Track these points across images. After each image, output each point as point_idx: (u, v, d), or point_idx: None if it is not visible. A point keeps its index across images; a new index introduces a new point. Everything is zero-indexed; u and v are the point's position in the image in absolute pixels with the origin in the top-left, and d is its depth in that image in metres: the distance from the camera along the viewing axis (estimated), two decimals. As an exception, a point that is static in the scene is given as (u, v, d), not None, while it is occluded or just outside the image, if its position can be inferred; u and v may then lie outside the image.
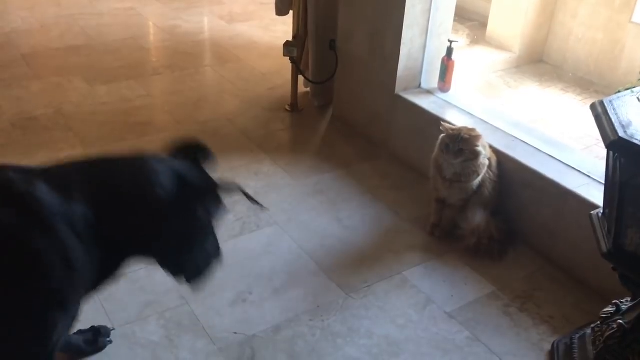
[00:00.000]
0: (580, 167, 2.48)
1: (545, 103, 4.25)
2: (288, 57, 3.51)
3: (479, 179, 2.45)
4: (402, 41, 2.96)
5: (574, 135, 3.83)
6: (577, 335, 2.02)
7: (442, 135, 2.43)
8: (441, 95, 3.07)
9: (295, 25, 3.57)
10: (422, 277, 2.38)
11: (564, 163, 2.52)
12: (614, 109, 1.68)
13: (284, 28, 4.41)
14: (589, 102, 4.41)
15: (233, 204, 2.70)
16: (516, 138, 2.69)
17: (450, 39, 3.03)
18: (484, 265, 2.46)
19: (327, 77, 3.49)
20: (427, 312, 2.22)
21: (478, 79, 4.47)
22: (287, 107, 3.66)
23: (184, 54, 4.39)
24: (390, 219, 2.72)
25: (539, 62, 4.85)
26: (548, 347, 2.08)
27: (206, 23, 5.11)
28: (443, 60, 3.06)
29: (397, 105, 3.11)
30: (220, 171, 2.99)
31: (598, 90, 4.41)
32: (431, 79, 3.15)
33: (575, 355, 1.98)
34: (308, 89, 3.78)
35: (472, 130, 2.43)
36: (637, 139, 1.55)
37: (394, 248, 2.54)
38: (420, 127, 3.00)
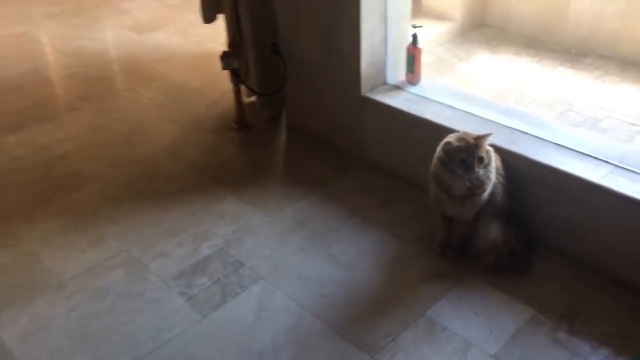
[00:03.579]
0: (595, 153, 2.19)
1: (505, 71, 3.97)
2: (222, 66, 3.04)
3: (491, 185, 2.11)
4: (362, 34, 2.56)
5: (544, 101, 3.58)
6: (654, 360, 1.73)
7: (446, 150, 2.04)
8: (413, 90, 2.70)
9: (228, 31, 3.09)
10: (449, 313, 2.03)
11: (575, 151, 2.22)
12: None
13: (204, 30, 3.88)
14: (546, 62, 4.20)
15: (204, 261, 2.27)
16: (514, 129, 2.37)
17: (414, 24, 2.66)
18: (511, 282, 2.14)
19: (274, 84, 3.05)
20: (469, 357, 1.87)
21: (426, 56, 4.13)
22: (234, 125, 3.19)
23: (98, 80, 3.80)
24: (390, 244, 2.35)
25: (482, 26, 4.57)
26: (617, 375, 1.79)
27: (114, 38, 4.50)
28: (408, 49, 2.68)
29: (365, 109, 2.72)
30: (176, 223, 2.57)
31: (551, 48, 4.18)
32: (397, 72, 2.77)
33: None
34: (252, 99, 3.32)
35: (468, 132, 2.07)
36: None
37: (406, 281, 2.17)
38: (397, 129, 2.63)
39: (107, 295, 2.16)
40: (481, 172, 2.03)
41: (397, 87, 2.73)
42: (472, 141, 2.01)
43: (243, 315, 2.06)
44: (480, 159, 2.01)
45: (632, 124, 3.33)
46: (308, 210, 2.55)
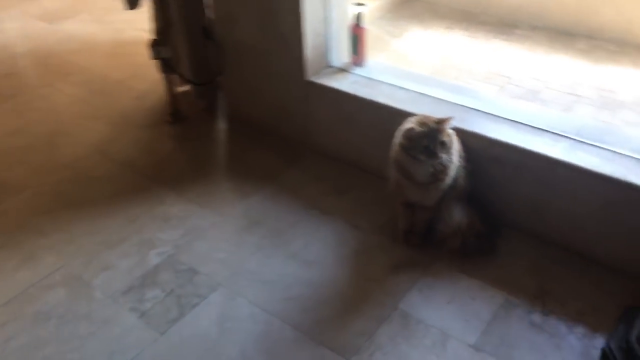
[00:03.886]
0: (551, 128, 2.16)
1: (439, 46, 3.93)
2: (152, 55, 2.82)
3: (455, 169, 2.03)
4: (304, 16, 2.41)
5: (483, 76, 3.56)
6: (633, 337, 1.71)
7: (408, 136, 1.94)
8: (359, 72, 2.58)
9: (155, 17, 2.85)
10: (422, 304, 1.95)
11: (531, 126, 2.18)
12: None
13: (122, 17, 3.61)
14: (479, 35, 4.18)
15: (154, 272, 2.08)
16: (468, 108, 2.30)
17: (358, 2, 2.54)
18: (479, 266, 2.09)
19: (208, 72, 2.86)
20: (450, 352, 1.80)
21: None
22: (168, 118, 2.97)
23: (9, 76, 3.45)
24: (351, 235, 2.24)
25: (412, 0, 4.51)
26: (596, 353, 1.77)
27: (21, 29, 4.10)
28: (352, 29, 2.55)
29: (311, 94, 2.58)
30: (116, 232, 2.32)
31: (483, 21, 4.18)
32: (341, 54, 2.64)
33: (630, 332, 1.70)
34: (185, 88, 3.10)
35: (428, 116, 1.98)
36: None
37: (373, 274, 2.08)
38: (346, 114, 2.51)
39: (49, 320, 1.94)
40: (444, 156, 1.95)
41: (343, 70, 2.60)
42: (434, 126, 1.92)
43: (205, 329, 1.90)
44: (443, 144, 1.93)
45: (569, 94, 3.37)
46: (260, 206, 2.40)
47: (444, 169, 1.98)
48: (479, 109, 2.29)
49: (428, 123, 1.93)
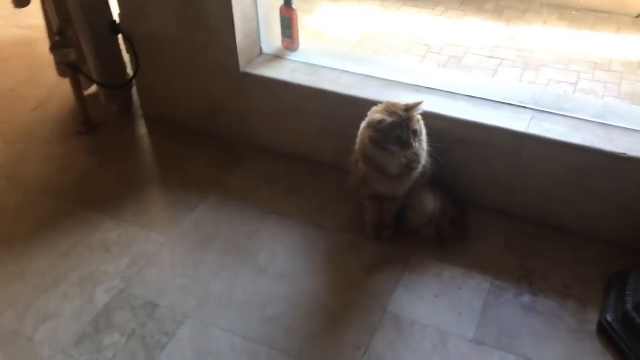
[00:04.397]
0: (509, 99, 2.09)
1: (352, 19, 3.79)
2: (57, 59, 2.46)
3: (425, 155, 1.92)
4: (233, 4, 2.17)
5: (403, 46, 3.48)
6: (628, 306, 1.70)
7: (379, 128, 1.77)
8: (295, 57, 2.38)
9: (51, 15, 2.47)
10: (410, 303, 1.84)
11: (490, 100, 2.11)
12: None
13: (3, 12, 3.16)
14: (388, 4, 4.08)
15: (106, 312, 1.82)
16: (421, 87, 2.19)
17: (285, -17, 2.32)
18: (457, 252, 2.00)
19: (118, 72, 2.57)
20: (452, 351, 1.71)
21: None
22: (80, 128, 2.62)
23: None
24: (318, 237, 2.08)
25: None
26: (592, 327, 1.75)
27: None
28: (281, 12, 2.35)
29: (246, 86, 2.35)
30: (49, 271, 1.98)
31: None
32: (271, 39, 2.43)
33: (626, 302, 1.70)
34: (91, 91, 2.75)
35: (395, 104, 1.84)
36: None
37: (352, 278, 1.94)
38: (288, 105, 2.32)
39: (-10, 394, 1.64)
40: (417, 145, 1.82)
41: (277, 57, 2.39)
42: (404, 114, 1.78)
43: (181, 370, 1.68)
44: (414, 132, 1.80)
45: (490, 57, 3.37)
46: (210, 218, 2.17)
47: (416, 157, 1.86)
48: (433, 87, 2.18)
49: (397, 111, 1.79)
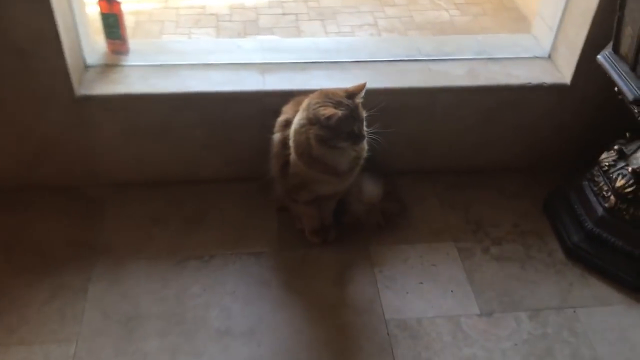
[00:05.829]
0: (399, 56, 1.96)
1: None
2: None
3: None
4: (54, 7, 1.57)
5: (192, 21, 3.07)
6: (589, 225, 1.77)
7: (328, 125, 1.45)
8: (133, 61, 1.88)
9: None
10: (402, 302, 1.66)
11: (382, 61, 1.95)
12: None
13: None
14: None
15: None
16: (306, 62, 1.92)
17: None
18: (404, 228, 1.88)
19: None
20: (472, 333, 1.59)
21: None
22: None
23: None
24: (261, 268, 1.73)
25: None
26: (561, 255, 1.80)
27: None
28: (102, 8, 1.80)
29: (86, 114, 1.78)
30: None
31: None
32: (94, 46, 1.87)
33: (584, 221, 1.77)
34: None
35: (334, 92, 1.54)
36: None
37: (329, 299, 1.66)
38: (148, 123, 1.84)
39: None
40: (369, 133, 1.58)
41: (109, 66, 1.85)
42: (350, 102, 1.50)
43: None
44: (362, 120, 1.55)
45: (285, 14, 3.19)
46: (115, 295, 1.63)
47: (363, 147, 1.62)
48: (316, 60, 1.93)
49: (342, 101, 1.50)
